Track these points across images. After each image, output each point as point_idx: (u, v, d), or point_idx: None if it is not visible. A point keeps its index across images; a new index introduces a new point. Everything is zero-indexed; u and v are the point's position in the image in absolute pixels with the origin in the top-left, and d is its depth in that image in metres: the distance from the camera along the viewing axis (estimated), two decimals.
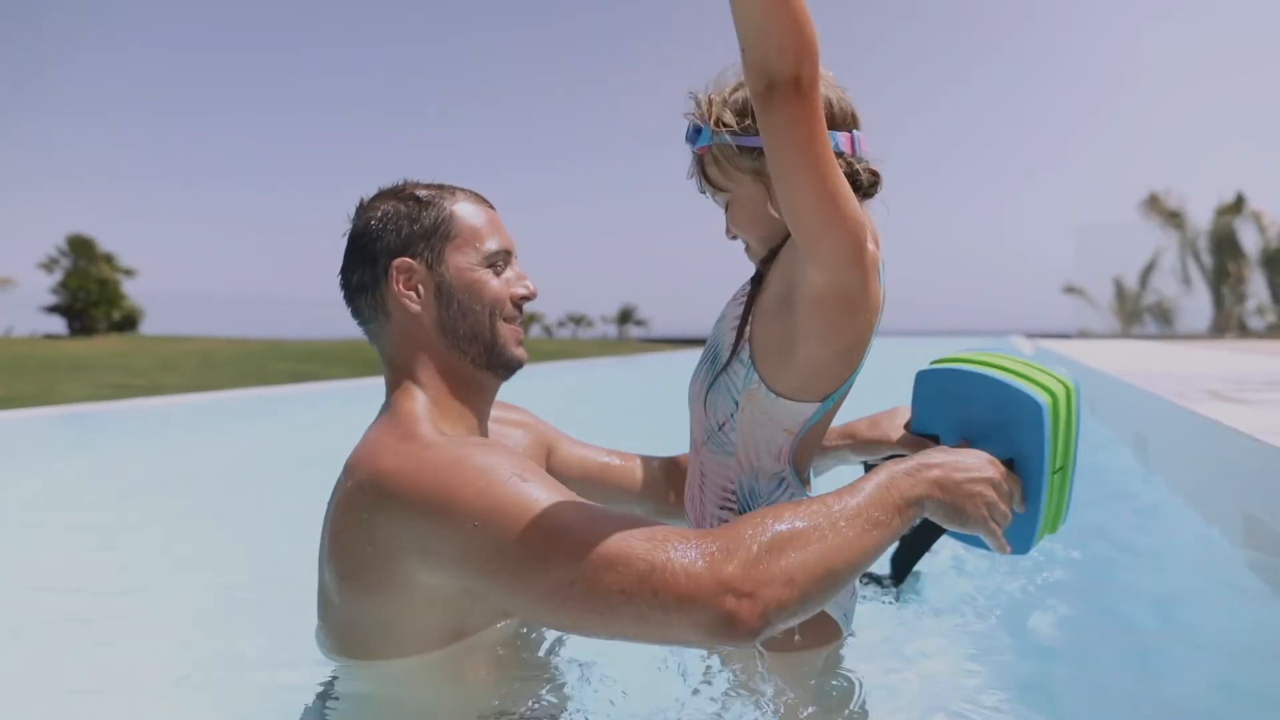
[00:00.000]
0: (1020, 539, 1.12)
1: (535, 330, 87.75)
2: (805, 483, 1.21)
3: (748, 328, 1.16)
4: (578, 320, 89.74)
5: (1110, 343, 17.02)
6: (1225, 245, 28.59)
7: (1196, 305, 29.33)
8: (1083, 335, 29.46)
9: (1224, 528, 2.50)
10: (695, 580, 0.86)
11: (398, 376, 1.22)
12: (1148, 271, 30.22)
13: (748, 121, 1.11)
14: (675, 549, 0.88)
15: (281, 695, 1.27)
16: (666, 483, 1.57)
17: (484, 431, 1.28)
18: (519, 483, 0.97)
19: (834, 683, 1.19)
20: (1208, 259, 28.91)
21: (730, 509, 1.15)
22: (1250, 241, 28.77)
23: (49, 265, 37.88)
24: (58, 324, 37.14)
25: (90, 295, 36.89)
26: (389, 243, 1.20)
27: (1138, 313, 30.72)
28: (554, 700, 1.16)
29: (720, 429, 1.15)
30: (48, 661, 1.76)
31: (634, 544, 0.89)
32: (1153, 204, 29.46)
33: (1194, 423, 3.09)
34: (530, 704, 1.13)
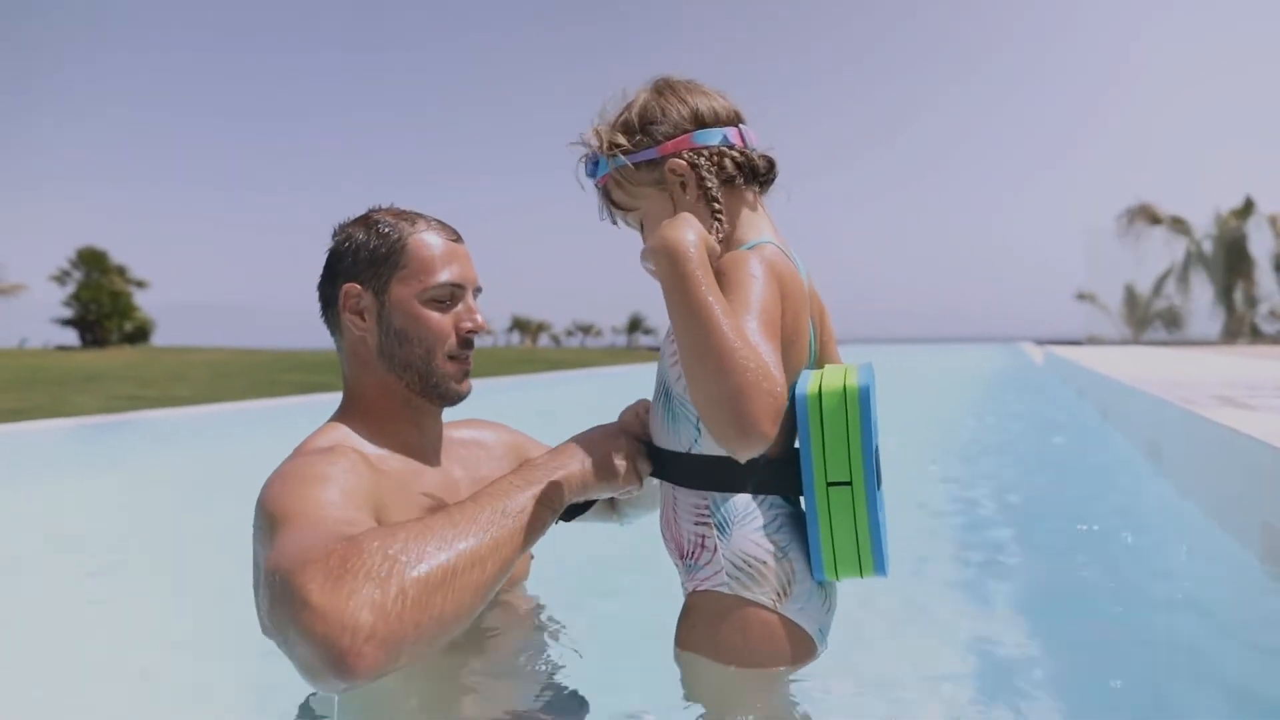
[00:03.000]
0: (814, 561, 1.10)
1: (544, 340, 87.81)
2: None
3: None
4: (586, 329, 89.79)
5: (1121, 349, 16.93)
6: (1234, 250, 28.43)
7: (1207, 310, 29.17)
8: (1093, 341, 29.32)
9: (1241, 536, 2.48)
10: (317, 610, 0.77)
11: (345, 391, 1.32)
12: (1162, 279, 30.08)
13: (638, 138, 1.17)
14: (315, 578, 0.79)
15: (290, 705, 1.27)
16: None
17: (429, 447, 1.33)
18: (316, 495, 1.02)
19: (806, 700, 1.18)
20: (1216, 264, 28.74)
21: (705, 523, 1.13)
22: (1261, 246, 28.60)
23: (61, 277, 38.15)
24: (70, 336, 37.38)
25: (102, 307, 37.13)
26: (345, 266, 1.28)
27: (1148, 318, 30.57)
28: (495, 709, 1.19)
29: (688, 451, 1.15)
30: (58, 670, 1.77)
31: (315, 573, 0.80)
32: (1143, 212, 29.31)
33: (1208, 430, 3.06)
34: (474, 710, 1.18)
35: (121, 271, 39.26)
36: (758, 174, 1.20)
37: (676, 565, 1.19)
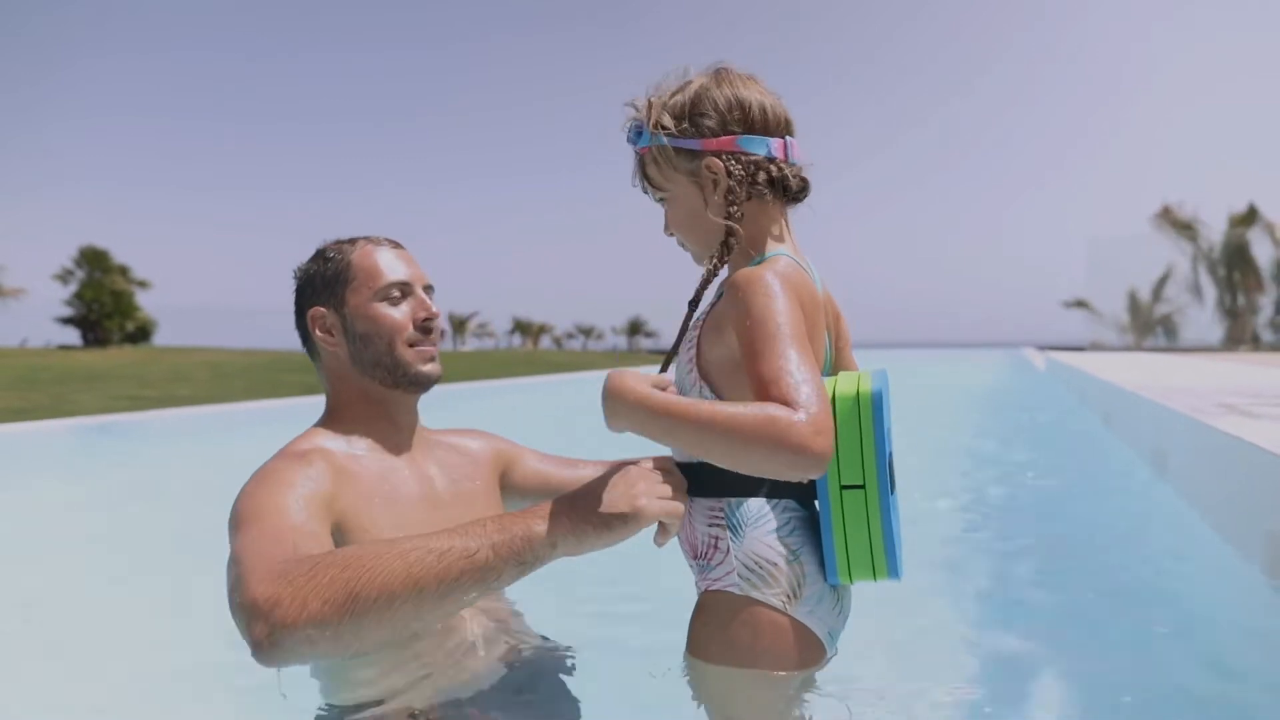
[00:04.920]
0: (827, 564, 1.11)
1: (545, 342, 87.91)
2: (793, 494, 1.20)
3: (695, 354, 1.17)
4: (587, 332, 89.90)
5: (1122, 355, 16.92)
6: (1237, 257, 28.43)
7: (1209, 317, 29.16)
8: (1095, 348, 29.32)
9: (1244, 545, 2.47)
10: (247, 598, 0.95)
11: (327, 405, 1.46)
12: (1161, 284, 30.08)
13: (684, 125, 1.16)
14: (260, 568, 0.98)
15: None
16: None
17: (404, 442, 1.45)
18: (278, 501, 1.15)
19: (813, 702, 1.18)
20: (1221, 271, 28.74)
21: (719, 524, 1.14)
22: (1264, 253, 28.61)
23: (63, 277, 38.23)
24: (72, 335, 37.45)
25: (104, 307, 37.21)
26: (307, 296, 1.44)
27: (1150, 325, 30.56)
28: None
29: (702, 461, 1.14)
30: (60, 666, 1.76)
31: (257, 567, 0.99)
32: (1165, 216, 29.33)
33: (1213, 438, 3.06)
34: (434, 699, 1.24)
35: (123, 271, 39.34)
36: (789, 192, 1.19)
37: (690, 565, 1.20)
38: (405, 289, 1.42)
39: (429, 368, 1.43)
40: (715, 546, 1.14)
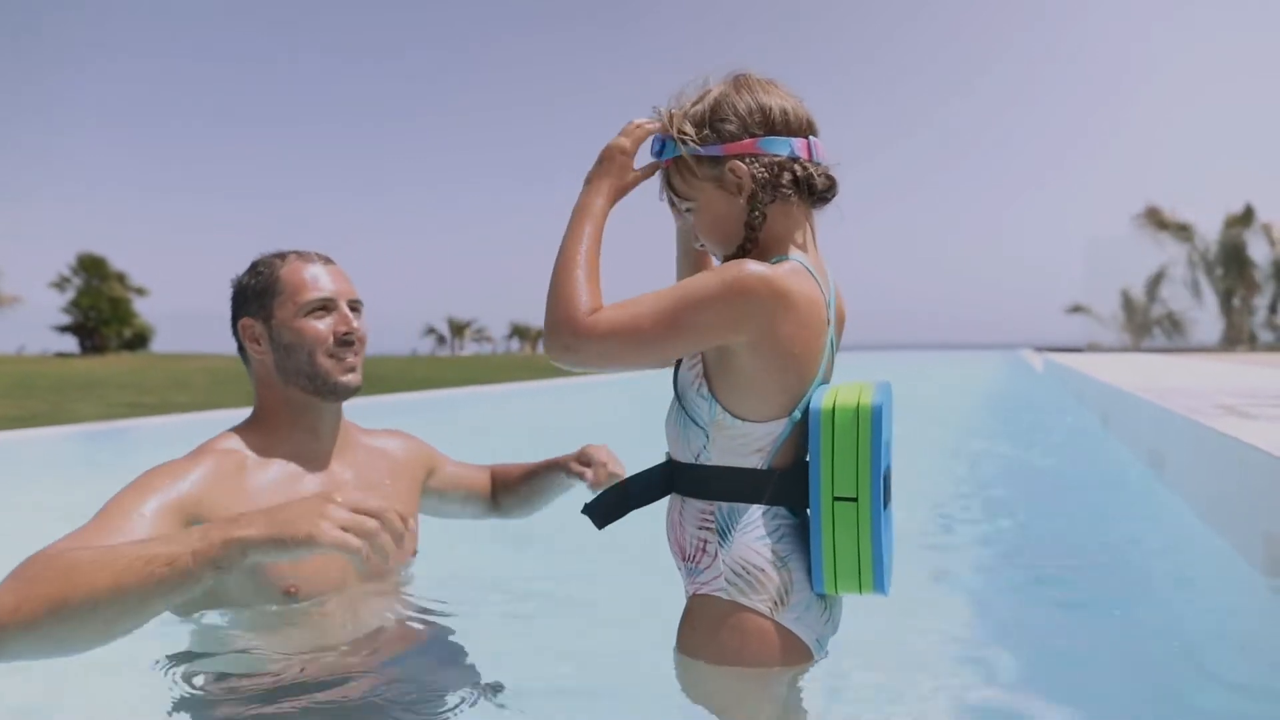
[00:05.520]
0: (814, 573, 1.12)
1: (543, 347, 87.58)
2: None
3: (695, 362, 1.18)
4: None
5: (1120, 356, 16.94)
6: (1234, 257, 28.47)
7: (1207, 318, 29.18)
8: (1092, 349, 29.35)
9: (1243, 546, 2.47)
10: None
11: (254, 408, 1.57)
12: (1155, 283, 30.11)
13: (705, 132, 1.17)
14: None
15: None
16: (493, 490, 1.92)
17: (322, 451, 1.56)
18: (126, 506, 1.26)
19: (803, 697, 1.20)
20: (1218, 271, 28.77)
21: (708, 528, 1.15)
22: (1260, 253, 28.64)
23: (60, 284, 38.21)
24: (69, 343, 37.42)
25: (101, 314, 37.22)
26: (238, 307, 1.56)
27: (1147, 325, 30.59)
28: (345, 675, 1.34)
29: (696, 459, 1.16)
30: (57, 674, 1.76)
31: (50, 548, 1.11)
32: (1151, 216, 29.35)
33: (1211, 439, 3.06)
34: (301, 671, 1.34)
35: (121, 278, 39.34)
36: (814, 191, 1.18)
37: (679, 567, 1.20)
38: (329, 304, 1.53)
39: (348, 378, 1.53)
40: (704, 550, 1.14)
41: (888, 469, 1.12)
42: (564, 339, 1.11)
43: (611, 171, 1.21)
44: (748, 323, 1.08)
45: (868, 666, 1.62)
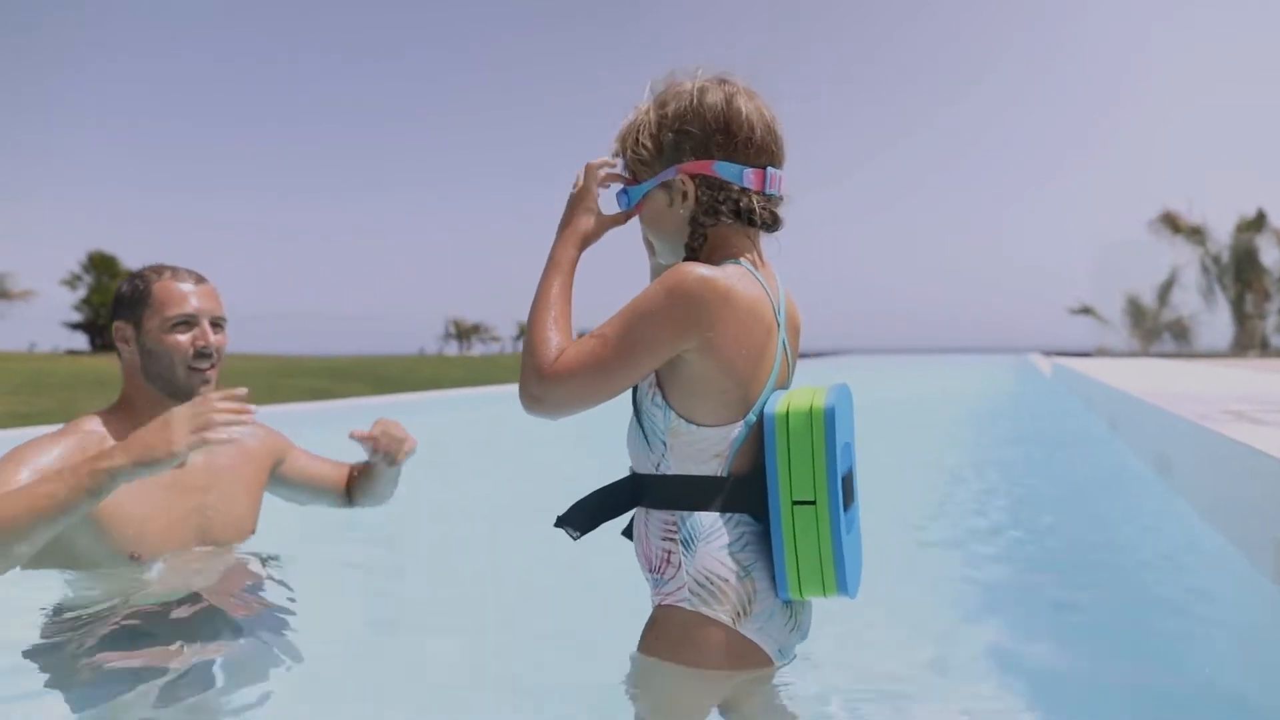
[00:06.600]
0: (778, 579, 1.11)
1: None
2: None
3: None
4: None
5: (1129, 361, 16.86)
6: (1246, 262, 28.31)
7: (1217, 323, 29.01)
8: (1101, 353, 29.23)
9: (1253, 552, 2.46)
10: None
11: (119, 395, 1.79)
12: (1166, 288, 29.97)
13: (667, 135, 1.19)
14: None
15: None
16: (348, 487, 2.18)
17: None
18: (4, 476, 1.51)
19: (777, 705, 1.21)
20: (1229, 276, 28.61)
21: (672, 539, 1.15)
22: (1271, 258, 28.48)
23: (71, 282, 38.46)
24: (80, 340, 37.65)
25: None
26: (114, 308, 1.78)
27: (1156, 330, 30.44)
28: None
29: (657, 469, 1.17)
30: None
31: None
32: (1166, 220, 29.18)
33: (1220, 445, 3.04)
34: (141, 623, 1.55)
35: None
36: (753, 224, 1.19)
37: (645, 577, 1.21)
38: (192, 320, 1.75)
39: (203, 389, 1.76)
40: (668, 561, 1.15)
41: (849, 470, 1.13)
42: (531, 390, 1.13)
43: (577, 217, 1.24)
44: (694, 326, 1.09)
45: (872, 670, 1.62)
